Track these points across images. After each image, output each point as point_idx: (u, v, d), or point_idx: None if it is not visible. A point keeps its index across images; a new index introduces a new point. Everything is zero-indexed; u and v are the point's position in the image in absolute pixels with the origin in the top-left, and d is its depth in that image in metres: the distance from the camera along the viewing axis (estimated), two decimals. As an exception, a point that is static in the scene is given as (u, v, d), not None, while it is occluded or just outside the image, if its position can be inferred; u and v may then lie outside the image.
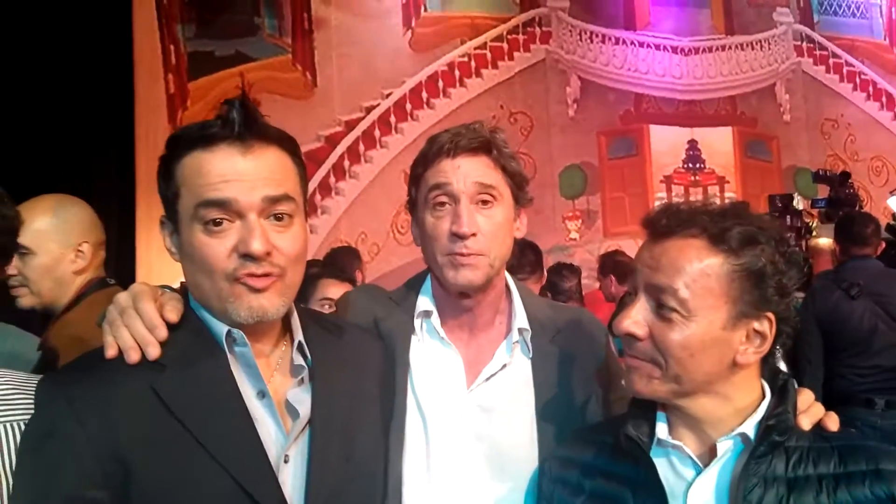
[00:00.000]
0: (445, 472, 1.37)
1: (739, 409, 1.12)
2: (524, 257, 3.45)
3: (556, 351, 1.46)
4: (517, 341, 1.44)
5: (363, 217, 6.76)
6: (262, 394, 1.15)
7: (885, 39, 9.40)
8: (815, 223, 6.20)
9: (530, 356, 1.45)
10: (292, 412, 1.17)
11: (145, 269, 5.81)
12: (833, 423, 1.15)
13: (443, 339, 1.43)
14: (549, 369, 1.44)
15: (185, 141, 1.13)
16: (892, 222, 5.01)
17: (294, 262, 1.16)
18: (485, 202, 1.38)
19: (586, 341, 1.51)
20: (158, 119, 6.24)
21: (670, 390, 1.12)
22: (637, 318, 1.12)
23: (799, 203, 5.98)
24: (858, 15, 9.34)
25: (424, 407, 1.40)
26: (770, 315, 1.09)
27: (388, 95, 6.96)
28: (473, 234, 1.35)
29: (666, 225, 1.12)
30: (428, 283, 1.49)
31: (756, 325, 1.09)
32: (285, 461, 1.13)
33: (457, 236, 1.35)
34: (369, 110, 6.86)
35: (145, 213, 5.98)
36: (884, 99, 9.22)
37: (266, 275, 1.12)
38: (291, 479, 1.13)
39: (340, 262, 4.12)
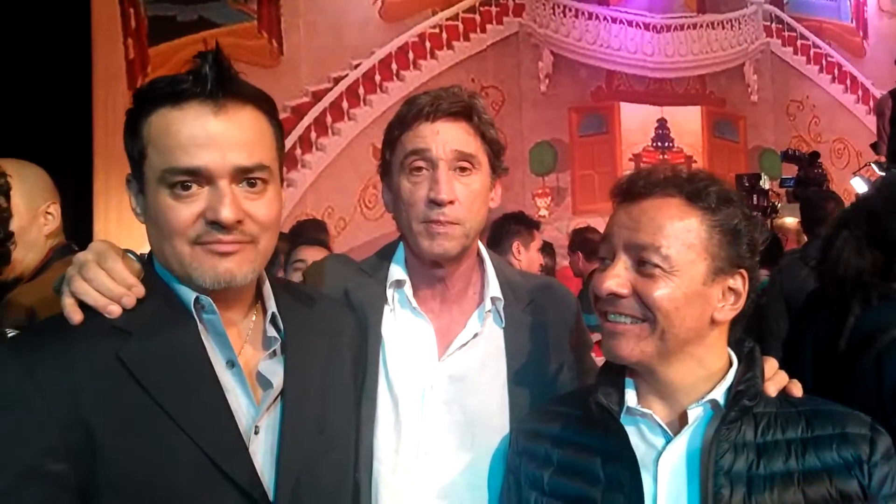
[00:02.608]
0: (416, 443, 1.35)
1: (710, 374, 1.13)
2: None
3: (529, 320, 1.45)
4: (490, 310, 1.43)
5: (330, 191, 6.65)
6: (232, 363, 1.10)
7: (851, 22, 9.52)
8: (780, 203, 6.29)
9: (503, 325, 1.44)
10: (264, 383, 1.13)
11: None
12: (797, 389, 1.17)
13: (415, 309, 1.41)
14: (522, 338, 1.43)
15: (152, 96, 1.06)
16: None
17: (267, 229, 1.11)
18: (463, 169, 1.35)
19: (558, 310, 1.51)
20: (118, 85, 6.04)
21: (655, 350, 1.10)
22: (619, 278, 1.10)
23: (765, 183, 6.05)
24: (827, -3, 9.43)
25: (395, 378, 1.37)
26: (743, 272, 1.13)
27: (356, 66, 6.83)
28: (451, 202, 1.32)
29: (643, 186, 1.13)
30: (401, 252, 1.46)
31: (731, 281, 1.12)
32: (255, 432, 1.09)
33: (434, 203, 1.32)
34: (337, 81, 6.73)
35: (103, 184, 5.82)
36: (848, 82, 9.36)
37: (236, 242, 1.07)
38: (262, 450, 1.09)
39: (307, 235, 4.04)
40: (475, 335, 1.41)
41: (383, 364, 1.38)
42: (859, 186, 5.90)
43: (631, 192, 1.14)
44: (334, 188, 6.62)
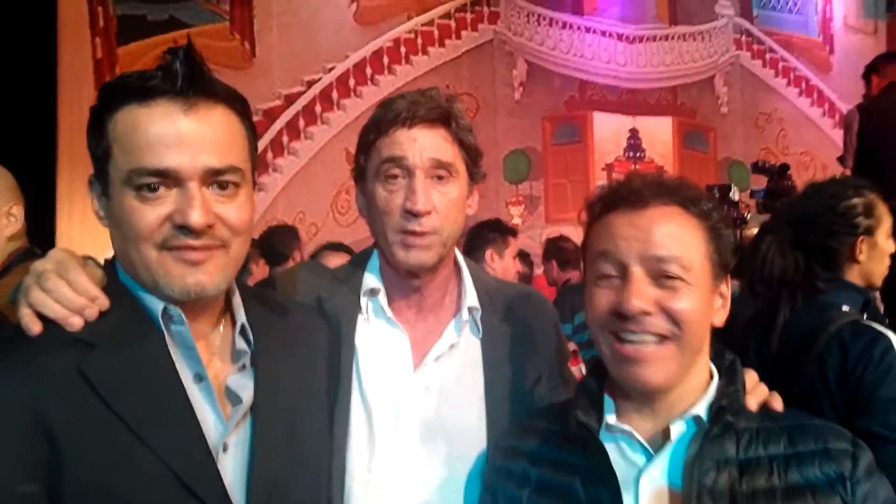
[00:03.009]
0: (390, 459, 1.31)
1: (693, 388, 1.11)
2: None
3: (507, 329, 1.42)
4: (467, 321, 1.40)
5: (301, 196, 6.56)
6: (200, 377, 1.05)
7: (818, 37, 9.72)
8: (749, 214, 6.36)
9: (480, 336, 1.41)
10: (233, 398, 1.08)
11: (66, 245, 5.49)
12: (778, 402, 1.16)
13: (389, 319, 1.38)
14: (500, 348, 1.40)
15: (119, 92, 1.02)
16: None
17: (239, 234, 1.07)
18: (440, 178, 1.32)
19: (537, 320, 1.48)
20: (84, 86, 5.89)
21: (680, 369, 1.08)
22: (645, 295, 1.06)
23: (735, 194, 6.12)
24: (795, 11, 9.62)
25: (369, 390, 1.33)
26: (728, 276, 1.14)
27: (330, 69, 6.75)
28: (428, 212, 1.30)
29: (641, 195, 1.11)
30: (375, 260, 1.43)
31: (723, 286, 1.13)
32: (224, 450, 1.05)
33: (410, 213, 1.29)
34: (310, 84, 6.65)
35: (67, 186, 5.67)
36: (815, 95, 9.54)
37: (206, 248, 1.02)
38: (232, 468, 1.04)
39: (278, 241, 3.98)
40: (451, 346, 1.38)
41: (357, 376, 1.34)
42: (825, 198, 5.99)
43: (629, 199, 1.11)
44: (306, 193, 6.54)
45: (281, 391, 1.13)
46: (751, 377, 1.18)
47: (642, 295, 1.05)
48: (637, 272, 1.06)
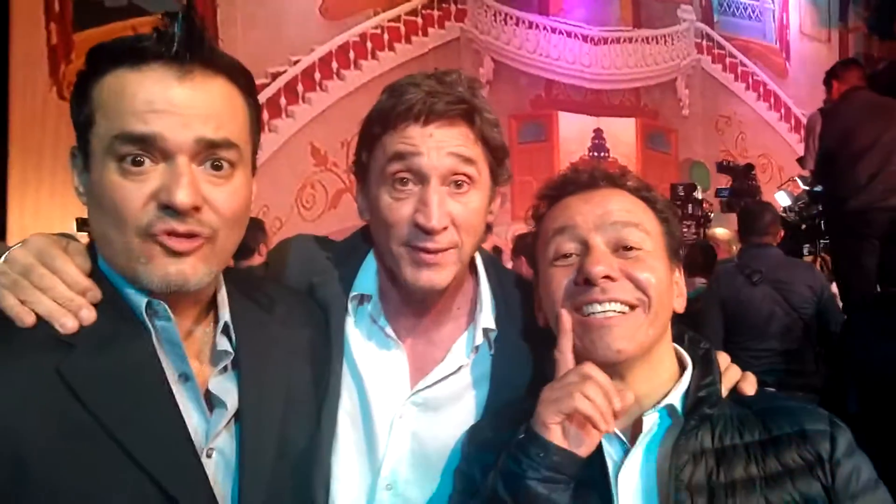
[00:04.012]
0: (379, 475, 1.18)
1: (664, 380, 1.08)
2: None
3: (521, 340, 1.22)
4: (479, 345, 1.20)
5: (265, 189, 6.40)
6: (186, 377, 0.96)
7: (775, 44, 9.97)
8: (712, 213, 6.49)
9: (492, 352, 1.21)
10: (216, 402, 0.99)
11: (18, 237, 5.23)
12: (750, 386, 1.11)
13: (381, 330, 1.20)
14: (513, 366, 1.20)
15: (109, 54, 0.91)
16: (781, 215, 5.30)
17: (230, 223, 0.95)
18: (458, 185, 1.10)
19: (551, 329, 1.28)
20: (38, 72, 5.69)
21: (653, 338, 1.05)
22: (606, 259, 1.03)
23: (699, 193, 6.23)
24: (754, 18, 9.86)
25: (360, 398, 1.19)
26: (680, 267, 1.13)
27: (296, 62, 6.67)
28: (444, 228, 1.09)
29: (593, 178, 1.12)
30: (371, 260, 1.24)
31: (677, 273, 1.12)
32: (208, 455, 0.96)
33: (422, 230, 1.08)
34: (275, 76, 6.56)
35: (19, 176, 5.45)
36: (772, 100, 9.80)
37: (191, 235, 0.91)
38: (219, 475, 0.96)
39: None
40: (459, 368, 1.18)
41: (346, 379, 1.19)
42: (783, 200, 6.15)
43: (581, 183, 1.12)
44: (270, 187, 6.41)
45: (268, 395, 1.04)
46: (723, 359, 1.14)
47: (605, 261, 1.03)
48: (598, 242, 1.04)
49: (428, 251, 1.09)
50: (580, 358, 1.04)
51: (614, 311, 1.03)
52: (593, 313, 1.03)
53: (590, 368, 0.97)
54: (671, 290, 1.08)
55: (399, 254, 1.11)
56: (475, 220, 1.13)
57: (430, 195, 1.07)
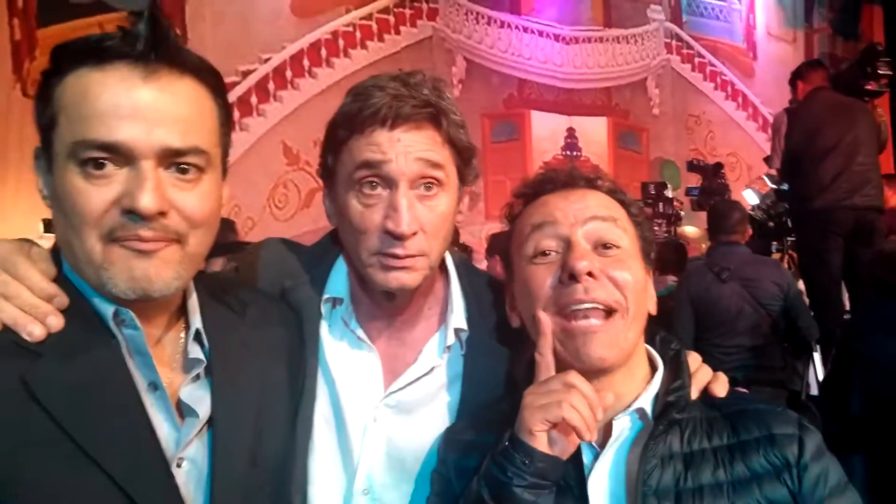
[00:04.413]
0: (353, 475, 1.18)
1: (636, 381, 1.08)
2: None
3: (493, 340, 1.23)
4: (451, 345, 1.21)
5: (236, 189, 6.33)
6: (155, 386, 0.94)
7: (743, 44, 10.12)
8: (683, 212, 6.57)
9: (464, 352, 1.23)
10: (186, 410, 0.97)
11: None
12: (720, 387, 1.12)
13: (353, 334, 1.21)
14: (485, 364, 1.22)
15: (72, 53, 0.90)
16: (750, 213, 5.38)
17: (198, 226, 0.94)
18: (428, 187, 1.12)
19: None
20: (1, 69, 5.54)
21: (633, 342, 1.06)
22: (588, 255, 1.04)
23: (669, 192, 6.31)
24: (722, 18, 10.00)
25: (334, 402, 1.19)
26: (651, 269, 1.14)
27: (266, 60, 6.59)
28: (414, 233, 1.10)
29: (572, 177, 1.14)
30: (341, 264, 1.24)
31: (649, 278, 1.13)
32: (178, 465, 0.94)
33: (392, 236, 1.09)
34: (245, 74, 6.46)
35: (-18, 175, 5.32)
36: (740, 99, 9.94)
37: (156, 240, 0.90)
38: (185, 485, 0.94)
39: (215, 234, 3.82)
40: (432, 369, 1.20)
41: (321, 382, 1.19)
42: (751, 198, 6.26)
43: (558, 182, 1.14)
44: (241, 186, 6.32)
45: (241, 403, 1.03)
46: (693, 359, 1.15)
47: (588, 256, 1.03)
48: (579, 238, 1.05)
49: (397, 256, 1.10)
50: (561, 362, 1.04)
51: (594, 314, 1.03)
52: (577, 310, 1.03)
53: (574, 378, 0.98)
54: (646, 291, 1.09)
55: (370, 263, 1.12)
56: (443, 225, 1.15)
57: (399, 200, 1.08)
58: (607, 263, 1.05)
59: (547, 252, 1.07)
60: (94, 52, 0.88)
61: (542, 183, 1.15)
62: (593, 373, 1.03)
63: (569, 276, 1.03)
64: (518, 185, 1.20)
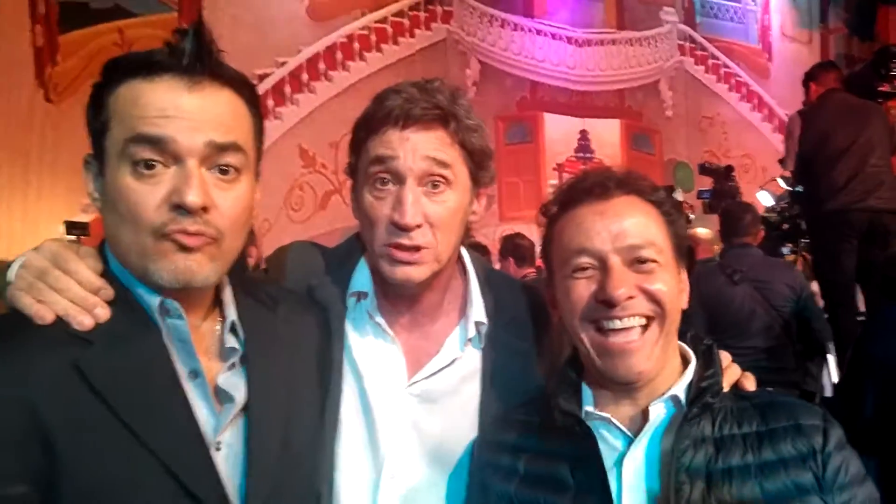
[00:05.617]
0: (381, 462, 1.25)
1: (671, 372, 1.13)
2: None
3: (512, 336, 1.31)
4: (471, 338, 1.29)
5: (253, 191, 6.43)
6: (196, 373, 1.01)
7: (758, 45, 10.10)
8: (693, 214, 6.56)
9: (481, 346, 1.30)
10: (224, 397, 1.04)
11: (6, 240, 5.24)
12: (750, 382, 1.18)
13: (379, 326, 1.28)
14: (502, 359, 1.30)
15: (123, 67, 0.98)
16: (763, 215, 5.38)
17: (233, 226, 1.02)
18: (435, 185, 1.19)
19: (539, 325, 1.38)
20: (23, 74, 5.64)
21: (665, 348, 1.11)
22: (628, 280, 1.09)
23: (679, 195, 6.30)
24: (736, 20, 9.98)
25: (360, 396, 1.26)
26: (685, 262, 1.17)
27: (282, 64, 6.68)
28: (418, 226, 1.17)
29: (605, 187, 1.15)
30: (364, 262, 1.32)
31: (683, 270, 1.16)
32: (217, 448, 1.01)
33: (397, 226, 1.17)
34: (262, 78, 6.54)
35: (6, 179, 5.40)
36: (755, 101, 9.92)
37: (199, 234, 0.98)
38: (224, 468, 1.01)
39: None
40: (453, 360, 1.27)
41: (348, 374, 1.26)
42: (765, 200, 6.24)
43: (592, 192, 1.15)
44: (259, 189, 6.42)
45: (274, 391, 1.10)
46: (724, 357, 1.20)
47: (624, 281, 1.08)
48: (615, 261, 1.10)
49: (403, 247, 1.17)
50: (599, 375, 1.13)
51: (633, 325, 1.09)
52: (613, 329, 1.09)
53: None
54: (680, 295, 1.15)
55: (380, 253, 1.20)
56: (451, 220, 1.21)
57: (405, 194, 1.17)
58: (643, 279, 1.09)
59: (585, 267, 1.12)
60: (144, 66, 0.97)
61: (575, 192, 1.17)
62: (633, 382, 1.10)
63: (605, 302, 1.08)
64: (542, 196, 1.24)
